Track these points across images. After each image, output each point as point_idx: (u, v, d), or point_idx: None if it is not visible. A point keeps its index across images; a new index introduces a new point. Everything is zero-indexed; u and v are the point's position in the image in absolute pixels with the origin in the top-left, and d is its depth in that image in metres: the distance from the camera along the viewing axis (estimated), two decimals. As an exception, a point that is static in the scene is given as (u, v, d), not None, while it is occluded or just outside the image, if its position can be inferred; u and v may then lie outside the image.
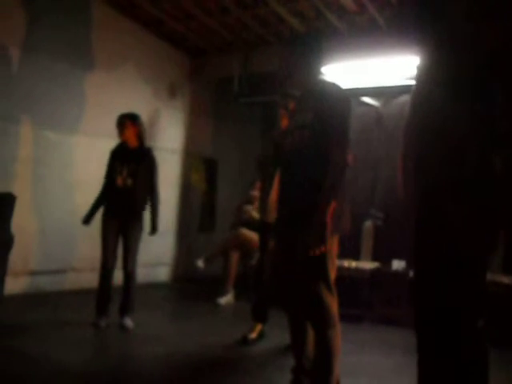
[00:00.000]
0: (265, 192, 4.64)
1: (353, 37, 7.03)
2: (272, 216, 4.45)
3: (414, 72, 2.23)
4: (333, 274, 2.99)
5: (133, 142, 5.03)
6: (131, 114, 5.11)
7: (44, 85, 6.41)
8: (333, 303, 2.95)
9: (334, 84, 3.12)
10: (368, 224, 6.78)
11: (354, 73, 7.16)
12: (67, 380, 3.47)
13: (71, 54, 6.74)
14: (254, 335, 4.63)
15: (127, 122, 5.02)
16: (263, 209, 4.64)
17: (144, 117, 7.81)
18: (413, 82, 2.28)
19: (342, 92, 3.07)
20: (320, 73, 3.22)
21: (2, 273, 5.12)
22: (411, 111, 2.25)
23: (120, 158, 4.96)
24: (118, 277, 4.98)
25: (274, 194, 4.49)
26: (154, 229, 5.02)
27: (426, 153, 2.10)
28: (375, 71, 7.12)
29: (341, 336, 2.98)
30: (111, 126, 5.15)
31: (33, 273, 6.33)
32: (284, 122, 4.60)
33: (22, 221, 5.75)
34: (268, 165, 4.69)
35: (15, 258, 5.50)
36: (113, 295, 4.92)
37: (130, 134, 5.01)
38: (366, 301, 5.91)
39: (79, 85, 6.87)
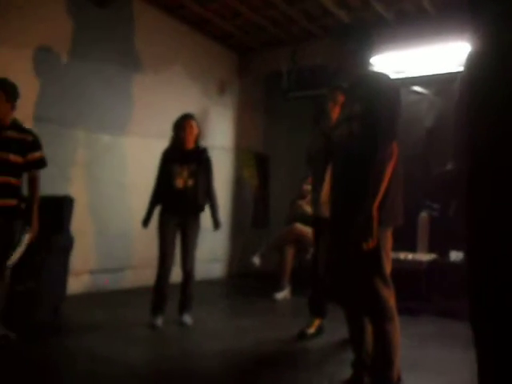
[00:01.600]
0: (315, 186, 4.62)
1: (401, 25, 6.92)
2: (324, 210, 4.45)
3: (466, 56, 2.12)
4: (388, 268, 2.96)
5: (191, 143, 5.04)
6: (192, 115, 5.11)
7: (95, 88, 6.55)
8: (390, 296, 2.92)
9: (382, 74, 3.08)
10: (423, 215, 6.67)
11: (404, 62, 7.06)
12: (129, 377, 3.55)
13: (120, 57, 6.87)
14: (312, 330, 4.62)
15: (194, 122, 5.04)
16: (315, 203, 4.62)
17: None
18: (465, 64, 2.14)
19: (389, 82, 3.03)
20: (369, 63, 3.19)
21: (64, 273, 5.28)
22: (464, 93, 2.13)
23: (178, 159, 4.95)
24: (174, 275, 5.05)
25: (325, 188, 4.47)
26: (216, 224, 5.08)
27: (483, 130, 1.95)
28: (426, 59, 7.00)
29: (400, 330, 2.95)
30: (162, 126, 5.20)
31: (93, 272, 6.51)
32: (333, 115, 4.58)
33: (80, 222, 5.91)
34: (318, 159, 4.67)
35: (75, 258, 5.66)
36: (169, 293, 4.96)
37: (194, 134, 5.03)
38: (423, 294, 5.82)
39: (129, 87, 7.00)
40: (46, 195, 4.76)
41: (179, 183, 4.88)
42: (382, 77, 3.06)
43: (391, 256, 3.04)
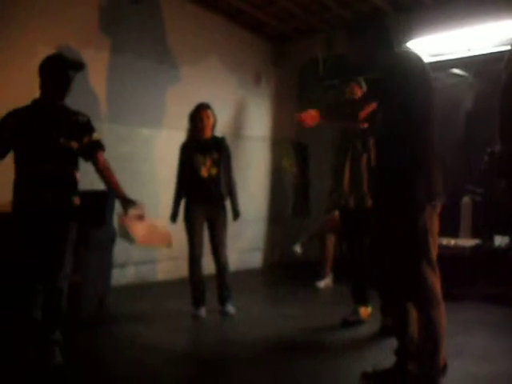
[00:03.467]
0: (338, 177, 4.60)
1: (438, 7, 6.80)
2: (349, 200, 4.45)
3: (506, 37, 2.10)
4: (435, 252, 2.93)
5: (208, 133, 5.05)
6: (208, 104, 5.08)
7: (132, 83, 6.64)
8: (436, 282, 2.89)
9: (404, 52, 3.05)
10: (466, 200, 6.56)
11: (442, 45, 6.94)
12: (172, 364, 3.61)
13: (156, 51, 6.94)
14: (366, 319, 4.61)
15: (209, 111, 5.03)
16: (339, 194, 4.60)
17: (231, 106, 7.97)
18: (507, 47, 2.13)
19: (407, 56, 2.99)
20: (394, 51, 3.14)
21: (108, 266, 5.38)
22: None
23: (199, 149, 4.96)
24: (208, 265, 5.10)
25: (346, 179, 4.47)
26: (236, 214, 5.09)
27: None
28: (464, 41, 6.87)
29: (445, 316, 2.92)
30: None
31: (136, 264, 6.61)
32: None
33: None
34: (338, 149, 4.67)
35: (119, 251, 5.76)
36: (207, 283, 5.01)
37: (210, 124, 5.03)
38: (467, 279, 5.72)
39: (166, 81, 7.07)
40: (87, 190, 4.84)
41: (204, 173, 4.91)
42: (401, 54, 3.03)
43: (437, 240, 3.01)
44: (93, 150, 3.75)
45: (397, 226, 2.92)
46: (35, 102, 3.64)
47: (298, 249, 6.79)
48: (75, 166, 3.72)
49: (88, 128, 3.72)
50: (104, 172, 3.85)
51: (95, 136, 3.76)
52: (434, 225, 2.93)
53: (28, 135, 3.51)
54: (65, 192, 3.63)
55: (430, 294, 2.87)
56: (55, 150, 3.55)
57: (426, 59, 3.08)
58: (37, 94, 3.68)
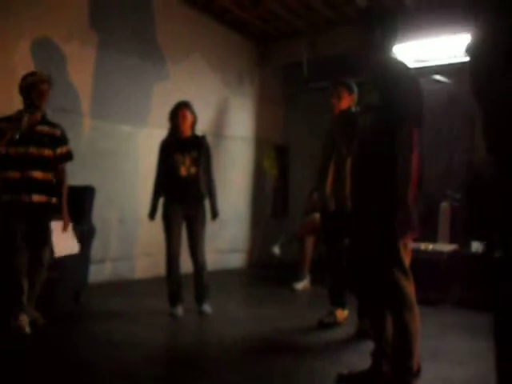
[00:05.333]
0: (321, 179, 4.63)
1: (422, 13, 6.85)
2: (330, 203, 4.47)
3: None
4: (407, 259, 2.96)
5: (188, 131, 5.02)
6: (188, 103, 5.04)
7: (116, 80, 6.60)
8: (409, 286, 2.92)
9: (400, 62, 3.05)
10: (445, 205, 6.62)
11: (425, 51, 7.00)
12: (147, 362, 3.58)
13: (140, 48, 6.90)
14: (342, 321, 4.62)
15: (187, 110, 4.98)
16: (321, 197, 4.62)
17: (214, 105, 7.97)
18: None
19: (406, 70, 3.00)
20: (393, 51, 3.16)
21: (86, 262, 5.34)
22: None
23: (179, 148, 4.93)
24: (186, 264, 5.07)
25: (329, 181, 4.50)
26: (214, 214, 5.05)
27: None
28: (447, 48, 6.93)
29: (420, 319, 2.94)
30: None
31: (113, 260, 6.57)
32: (336, 110, 4.63)
33: (101, 211, 5.96)
34: (323, 152, 4.70)
35: (97, 247, 5.72)
36: (184, 282, 4.98)
37: (189, 123, 4.99)
38: (444, 284, 5.78)
39: (149, 78, 7.03)
40: (67, 185, 4.81)
41: (183, 171, 4.88)
42: (399, 66, 3.03)
43: (410, 247, 3.03)
44: (61, 161, 4.40)
45: (373, 232, 2.94)
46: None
47: (276, 250, 6.80)
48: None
49: (62, 140, 4.40)
50: (62, 181, 4.45)
51: (65, 149, 4.42)
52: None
53: None
54: None
55: (402, 298, 2.89)
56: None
57: (410, 65, 3.10)
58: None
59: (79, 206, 5.23)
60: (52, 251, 4.41)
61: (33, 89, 4.20)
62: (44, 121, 4.31)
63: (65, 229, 4.42)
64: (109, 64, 6.52)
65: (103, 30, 6.45)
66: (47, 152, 4.24)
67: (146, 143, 6.79)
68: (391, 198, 2.86)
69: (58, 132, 4.36)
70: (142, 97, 6.95)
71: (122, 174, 6.71)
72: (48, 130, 4.29)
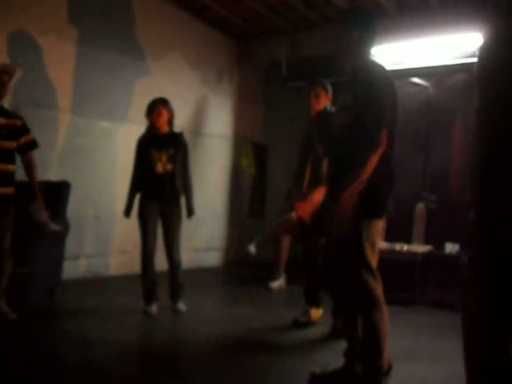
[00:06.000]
0: (298, 180, 4.65)
1: (401, 16, 6.90)
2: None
3: (467, 50, 2.05)
4: (375, 259, 2.98)
5: (165, 128, 4.98)
6: (164, 99, 5.00)
7: (94, 75, 6.54)
8: (376, 285, 2.94)
9: (377, 65, 3.07)
10: (420, 207, 6.68)
11: (404, 53, 7.05)
12: (120, 360, 3.57)
13: (119, 44, 6.85)
14: (305, 318, 4.63)
15: (162, 107, 4.94)
16: (297, 196, 4.64)
17: (193, 103, 7.94)
18: (471, 59, 2.07)
19: (383, 73, 3.02)
20: (370, 52, 3.17)
21: (60, 258, 5.28)
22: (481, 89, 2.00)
23: (155, 144, 4.90)
24: (161, 261, 5.05)
25: (306, 181, 4.53)
26: (190, 212, 5.00)
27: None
28: (425, 51, 6.99)
29: (389, 319, 2.97)
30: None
31: (88, 256, 6.52)
32: (314, 109, 4.65)
33: (77, 207, 5.91)
34: (301, 152, 4.73)
35: (71, 243, 5.67)
36: (159, 280, 4.96)
37: (165, 119, 4.95)
38: (418, 284, 5.84)
39: (128, 74, 6.99)
40: (42, 180, 4.76)
41: (159, 168, 4.84)
42: (376, 68, 3.05)
43: (378, 248, 3.06)
44: (27, 149, 4.41)
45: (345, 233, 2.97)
46: None
47: (252, 249, 6.79)
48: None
49: (25, 129, 4.40)
50: (31, 168, 4.44)
51: (30, 137, 4.44)
52: (375, 232, 2.98)
53: None
54: None
55: (370, 297, 2.92)
56: None
57: (388, 67, 3.12)
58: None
59: (54, 202, 5.18)
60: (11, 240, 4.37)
61: None
62: (3, 113, 4.28)
63: (40, 208, 4.44)
64: (88, 60, 6.46)
65: (82, 25, 6.39)
66: (7, 144, 4.24)
67: (124, 140, 6.74)
68: (361, 199, 2.88)
69: (18, 122, 4.36)
70: (122, 93, 6.90)
71: (100, 171, 6.66)
72: (6, 122, 4.26)
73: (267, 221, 8.55)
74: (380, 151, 2.86)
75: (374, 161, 2.84)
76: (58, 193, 5.29)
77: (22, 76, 5.75)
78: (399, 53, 7.03)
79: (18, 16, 5.75)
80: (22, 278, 4.73)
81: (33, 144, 4.46)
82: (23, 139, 4.35)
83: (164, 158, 4.85)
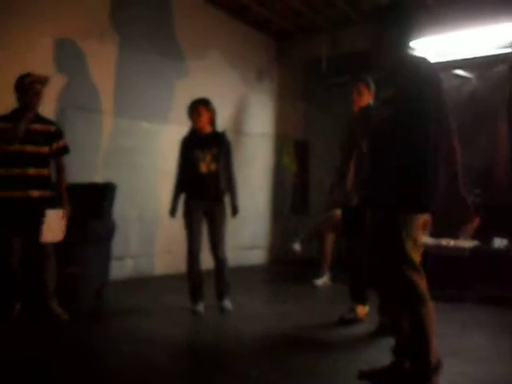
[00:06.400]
0: (342, 175, 4.63)
1: (441, 7, 6.79)
2: (352, 198, 4.47)
3: (509, 40, 2.04)
4: (418, 255, 2.94)
5: (207, 128, 5.00)
6: (204, 100, 5.02)
7: (136, 77, 6.65)
8: (420, 281, 2.90)
9: (421, 58, 3.03)
10: (467, 201, 6.55)
11: (446, 45, 6.93)
12: (172, 359, 3.62)
13: (160, 45, 6.95)
14: (363, 317, 4.61)
15: (202, 107, 4.96)
16: (342, 192, 4.61)
17: (233, 102, 7.98)
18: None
19: (429, 66, 2.97)
20: (410, 47, 3.13)
21: (107, 259, 5.38)
22: None
23: (198, 144, 4.92)
24: (206, 260, 5.08)
25: (350, 176, 4.50)
26: (234, 210, 5.03)
27: None
28: (467, 42, 6.86)
29: (440, 315, 2.93)
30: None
31: (133, 257, 6.62)
32: (356, 106, 4.61)
33: (121, 208, 6.01)
34: (344, 147, 4.69)
35: (117, 244, 5.77)
36: (205, 278, 4.99)
37: (206, 120, 4.97)
38: (466, 280, 5.73)
39: (169, 75, 7.07)
40: (88, 182, 4.86)
41: (203, 168, 4.87)
42: (421, 61, 3.01)
43: (421, 243, 3.02)
44: (58, 155, 4.58)
45: (386, 228, 2.94)
46: None
47: (297, 247, 6.79)
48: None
49: (58, 136, 4.57)
50: (61, 174, 4.59)
51: (62, 143, 4.59)
52: (419, 231, 2.95)
53: None
54: None
55: (414, 293, 2.89)
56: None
57: (431, 59, 3.07)
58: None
59: (100, 203, 5.27)
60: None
61: (29, 89, 4.37)
62: (37, 119, 4.46)
63: (64, 217, 4.46)
64: (129, 62, 6.57)
65: (123, 28, 6.50)
66: (42, 149, 4.42)
67: (166, 140, 6.82)
68: (401, 195, 2.86)
69: (52, 128, 4.53)
70: (162, 94, 6.99)
71: (142, 171, 6.76)
72: (42, 128, 4.45)
73: (310, 217, 8.52)
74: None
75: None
76: (103, 194, 5.38)
77: (67, 81, 5.90)
78: (441, 45, 6.92)
79: (62, 22, 5.88)
80: (70, 278, 4.85)
81: (64, 150, 4.62)
82: (55, 145, 4.52)
83: (208, 158, 4.88)
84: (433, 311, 2.91)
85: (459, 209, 2.81)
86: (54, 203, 4.46)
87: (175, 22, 7.12)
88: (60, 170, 4.59)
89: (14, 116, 4.38)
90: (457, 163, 2.82)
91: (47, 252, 4.42)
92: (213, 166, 4.88)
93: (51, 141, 4.49)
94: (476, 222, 2.91)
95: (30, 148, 4.36)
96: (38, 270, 4.41)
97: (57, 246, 4.46)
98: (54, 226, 4.38)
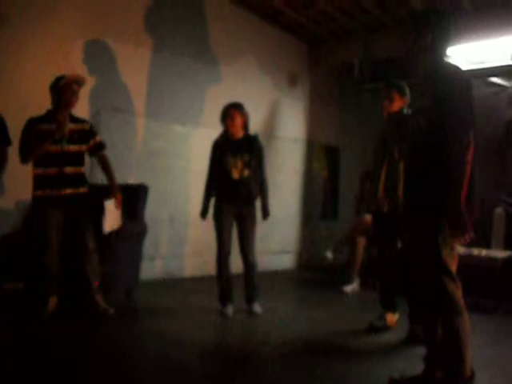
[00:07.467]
0: (373, 182, 4.61)
1: (478, 14, 6.70)
2: (381, 204, 4.44)
3: None
4: (454, 264, 2.91)
5: (239, 132, 4.99)
6: (238, 104, 5.00)
7: (169, 81, 6.72)
8: (456, 290, 2.88)
9: (453, 66, 3.01)
10: (499, 211, 6.47)
11: (481, 52, 6.85)
12: (202, 360, 3.66)
13: (193, 49, 7.01)
14: (392, 325, 4.58)
15: (236, 111, 4.93)
16: (373, 199, 4.59)
17: (265, 107, 8.00)
18: None
19: (461, 74, 2.95)
20: (446, 54, 3.11)
21: (138, 259, 5.44)
22: None
23: (230, 149, 4.91)
24: (236, 264, 5.09)
25: (382, 183, 4.47)
26: (266, 214, 5.05)
27: None
28: (504, 49, 6.77)
29: (471, 326, 2.90)
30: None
31: (163, 258, 6.68)
32: (386, 113, 4.58)
33: (153, 209, 6.07)
34: (377, 154, 4.66)
35: (148, 245, 5.83)
36: (234, 282, 5.00)
37: (239, 124, 4.96)
38: (499, 291, 5.64)
39: (201, 79, 7.12)
40: (121, 183, 4.92)
41: (235, 174, 4.86)
42: (453, 69, 2.99)
43: (457, 251, 2.99)
44: (98, 150, 4.75)
45: (421, 236, 2.92)
46: None
47: (329, 254, 6.78)
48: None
49: (93, 133, 4.72)
50: (106, 165, 4.76)
51: (98, 139, 4.75)
52: (456, 240, 2.92)
53: None
54: None
55: (450, 303, 2.86)
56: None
57: (466, 67, 3.05)
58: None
59: (133, 204, 5.33)
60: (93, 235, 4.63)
61: (66, 89, 4.47)
62: (72, 119, 4.57)
63: (118, 206, 4.65)
64: (162, 66, 6.64)
65: (157, 32, 6.58)
66: (81, 147, 4.57)
67: (198, 143, 6.87)
68: (438, 202, 2.83)
69: (86, 126, 4.66)
70: (195, 97, 7.04)
71: (174, 174, 6.82)
72: (77, 127, 4.57)
73: (339, 223, 8.49)
74: (471, 151, 2.79)
75: (470, 160, 2.79)
76: (136, 195, 5.44)
77: (101, 83, 5.99)
78: (477, 52, 6.83)
79: (95, 25, 5.98)
80: (102, 277, 4.90)
81: (102, 145, 4.76)
82: (92, 142, 4.67)
83: (240, 165, 4.88)
84: (468, 322, 2.88)
85: (452, 222, 2.78)
86: (90, 199, 4.60)
87: (208, 26, 7.17)
88: (104, 162, 4.74)
89: (50, 117, 4.48)
90: (461, 173, 2.77)
91: (89, 248, 4.54)
92: (245, 173, 4.88)
93: (87, 138, 4.62)
94: (468, 239, 2.84)
95: (71, 147, 4.49)
96: (81, 266, 4.53)
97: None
98: (112, 215, 4.60)
